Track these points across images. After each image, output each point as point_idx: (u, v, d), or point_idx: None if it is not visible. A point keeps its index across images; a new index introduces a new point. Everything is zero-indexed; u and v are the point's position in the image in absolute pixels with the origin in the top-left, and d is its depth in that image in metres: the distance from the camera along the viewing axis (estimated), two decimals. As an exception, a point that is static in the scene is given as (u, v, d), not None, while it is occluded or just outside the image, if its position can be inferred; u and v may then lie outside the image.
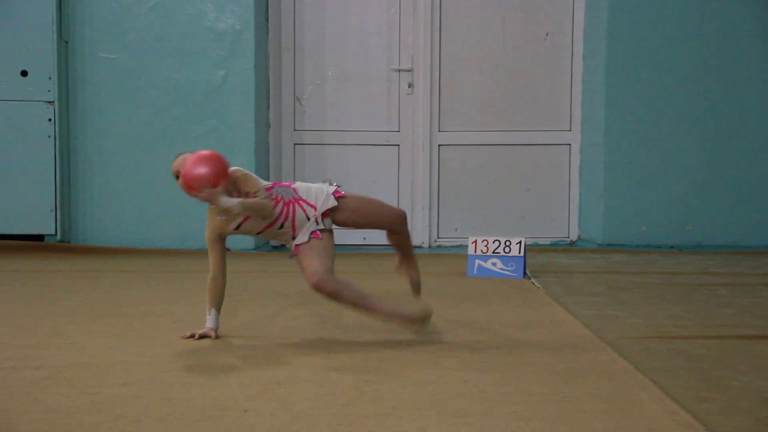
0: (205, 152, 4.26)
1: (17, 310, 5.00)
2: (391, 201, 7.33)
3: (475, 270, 6.05)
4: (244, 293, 5.46)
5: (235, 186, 4.29)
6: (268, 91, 7.19)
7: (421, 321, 4.44)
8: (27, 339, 4.44)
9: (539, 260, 6.52)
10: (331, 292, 4.28)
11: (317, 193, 4.41)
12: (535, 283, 5.84)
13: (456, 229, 7.36)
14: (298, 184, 4.44)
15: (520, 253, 6.00)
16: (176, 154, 4.42)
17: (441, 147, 7.35)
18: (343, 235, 7.29)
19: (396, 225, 4.57)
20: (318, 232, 4.37)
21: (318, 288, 4.28)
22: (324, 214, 4.37)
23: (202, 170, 4.18)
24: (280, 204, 4.31)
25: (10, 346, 4.31)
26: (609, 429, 3.28)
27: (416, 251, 7.09)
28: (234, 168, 4.33)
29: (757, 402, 3.61)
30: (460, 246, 7.09)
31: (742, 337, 4.55)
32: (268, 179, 7.25)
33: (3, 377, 3.83)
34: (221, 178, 4.18)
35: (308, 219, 4.36)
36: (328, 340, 4.50)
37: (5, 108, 6.68)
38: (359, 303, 4.36)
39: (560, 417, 3.41)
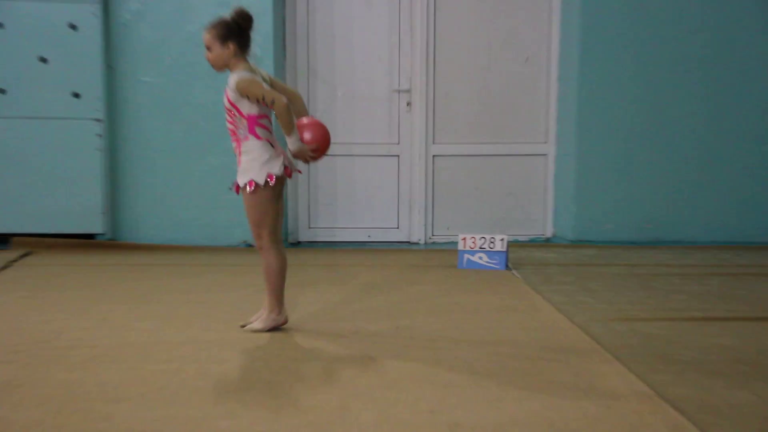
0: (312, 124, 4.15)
1: (73, 298, 5.04)
2: (391, 203, 7.38)
3: (464, 263, 6.09)
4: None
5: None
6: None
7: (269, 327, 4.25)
8: (82, 322, 4.48)
9: (519, 254, 6.55)
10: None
11: (246, 166, 4.06)
12: (516, 274, 5.86)
13: (448, 228, 7.38)
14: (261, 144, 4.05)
15: (503, 248, 6.03)
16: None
17: (435, 157, 7.36)
18: (351, 234, 7.35)
19: (252, 236, 4.19)
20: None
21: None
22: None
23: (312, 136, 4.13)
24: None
25: (68, 328, 4.36)
26: (578, 397, 3.33)
27: (413, 247, 7.17)
28: (245, 77, 3.98)
29: (702, 374, 3.65)
30: (452, 242, 7.14)
31: (691, 319, 4.58)
32: (285, 190, 7.27)
33: (62, 355, 3.88)
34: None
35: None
36: (339, 324, 4.54)
37: (61, 125, 6.71)
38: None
39: (537, 386, 3.47)
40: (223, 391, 3.40)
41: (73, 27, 6.65)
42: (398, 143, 7.36)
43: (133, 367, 3.69)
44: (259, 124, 4.03)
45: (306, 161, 4.15)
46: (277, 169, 4.05)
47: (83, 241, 6.74)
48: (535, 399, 3.31)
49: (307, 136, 4.09)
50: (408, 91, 7.31)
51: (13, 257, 6.28)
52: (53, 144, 6.70)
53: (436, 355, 3.91)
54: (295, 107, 4.14)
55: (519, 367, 3.73)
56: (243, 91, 3.95)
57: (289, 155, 4.15)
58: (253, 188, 4.03)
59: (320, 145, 4.13)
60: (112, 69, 6.81)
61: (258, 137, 4.03)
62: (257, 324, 4.27)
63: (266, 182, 4.03)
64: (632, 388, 3.44)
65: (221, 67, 4.09)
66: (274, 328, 4.28)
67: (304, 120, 4.15)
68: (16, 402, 3.26)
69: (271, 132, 4.10)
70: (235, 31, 4.02)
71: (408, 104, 7.32)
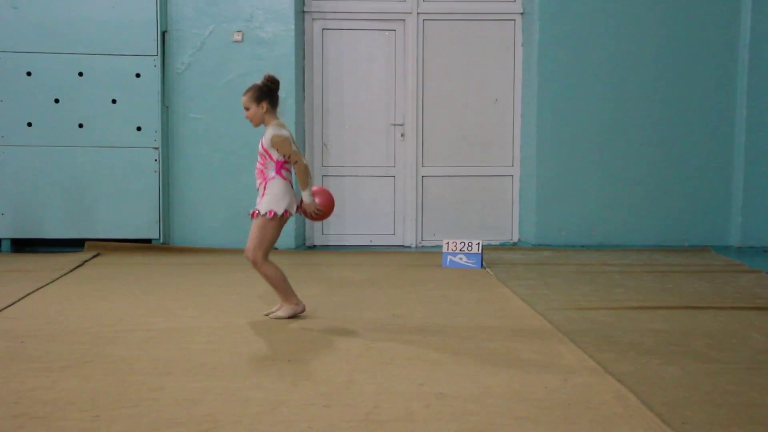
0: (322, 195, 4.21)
1: (133, 291, 5.00)
2: (389, 214, 7.35)
3: (448, 263, 6.03)
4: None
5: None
6: (304, 140, 7.21)
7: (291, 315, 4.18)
8: (140, 310, 4.45)
9: (492, 256, 6.51)
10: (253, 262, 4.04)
11: (266, 197, 4.04)
12: (489, 272, 5.82)
13: (434, 234, 7.34)
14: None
15: (478, 250, 5.98)
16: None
17: (424, 177, 7.33)
18: (356, 239, 7.31)
19: (247, 252, 4.07)
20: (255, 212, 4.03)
21: (246, 256, 4.06)
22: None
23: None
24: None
25: (130, 315, 4.33)
26: (540, 372, 3.29)
27: (406, 250, 7.14)
28: (280, 135, 3.96)
29: (639, 352, 3.61)
30: (437, 246, 7.08)
31: (630, 308, 4.54)
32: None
33: (124, 337, 3.85)
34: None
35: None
36: (345, 312, 4.50)
37: (127, 153, 6.68)
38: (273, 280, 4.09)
39: (507, 363, 3.43)
40: (252, 367, 3.36)
41: (137, 75, 6.63)
42: (394, 166, 7.34)
43: (180, 347, 3.66)
44: (285, 168, 4.07)
45: (311, 217, 4.17)
46: (293, 208, 4.08)
47: (142, 244, 6.71)
48: (505, 373, 3.27)
49: (317, 200, 4.17)
50: (402, 124, 7.30)
51: (86, 257, 6.25)
52: (119, 167, 6.67)
53: (425, 338, 3.87)
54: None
55: (492, 347, 3.69)
56: (275, 146, 4.00)
57: (298, 201, 4.16)
58: (271, 216, 4.02)
59: (325, 210, 4.22)
60: (168, 108, 6.80)
61: (283, 178, 4.06)
62: (281, 312, 4.22)
63: (282, 215, 4.03)
64: (584, 364, 3.40)
65: (258, 123, 4.13)
66: (294, 316, 4.22)
67: (315, 188, 4.21)
68: (86, 374, 3.23)
69: (291, 175, 4.12)
70: (266, 93, 4.06)
71: (402, 135, 7.30)
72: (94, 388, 3.07)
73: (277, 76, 4.13)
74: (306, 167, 4.06)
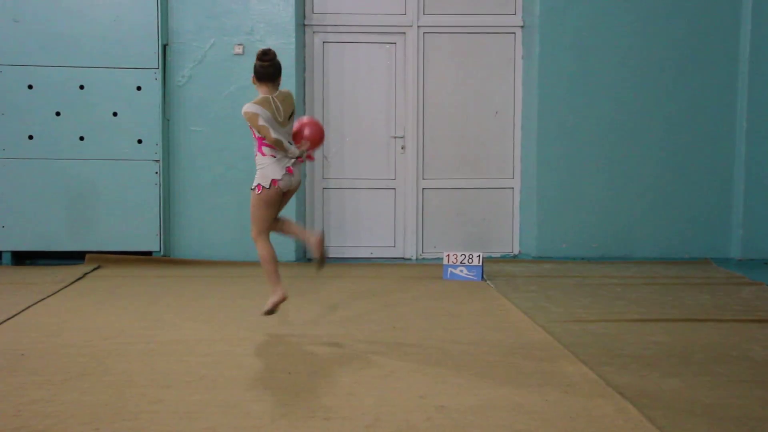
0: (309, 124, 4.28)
1: (134, 303, 5.00)
2: (389, 226, 7.35)
3: (448, 275, 6.02)
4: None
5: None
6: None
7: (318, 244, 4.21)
8: (140, 323, 4.45)
9: (492, 268, 6.51)
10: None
11: (258, 174, 4.14)
12: (490, 284, 5.82)
13: (435, 246, 7.34)
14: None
15: (479, 263, 5.97)
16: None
17: (424, 190, 7.34)
18: (357, 251, 7.31)
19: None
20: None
21: None
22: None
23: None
24: None
25: (130, 327, 4.33)
26: (540, 384, 3.30)
27: (407, 262, 7.14)
28: (248, 110, 4.04)
29: (640, 365, 3.62)
30: (438, 258, 7.08)
31: (631, 320, 4.55)
32: (304, 214, 7.27)
33: (125, 349, 3.85)
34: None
35: None
36: (346, 324, 4.50)
37: (128, 165, 6.69)
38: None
39: (507, 376, 3.43)
40: (253, 380, 3.36)
41: (138, 88, 6.66)
42: (395, 179, 7.35)
43: (181, 359, 3.66)
44: (265, 143, 4.10)
45: (308, 158, 4.25)
46: (278, 174, 4.08)
47: (142, 257, 6.70)
48: (506, 386, 3.27)
49: (306, 131, 4.24)
50: (402, 137, 7.32)
51: (87, 270, 6.25)
52: (120, 180, 6.67)
53: (425, 350, 3.87)
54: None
55: (493, 360, 3.69)
56: (246, 120, 4.07)
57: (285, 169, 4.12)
58: (259, 191, 4.10)
59: (314, 139, 4.27)
60: (169, 121, 6.82)
61: (263, 154, 4.12)
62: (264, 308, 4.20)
63: (270, 185, 4.07)
64: (585, 377, 3.40)
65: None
66: (276, 305, 4.16)
67: (305, 119, 4.31)
68: (87, 387, 3.23)
69: (275, 150, 4.09)
70: (255, 67, 4.13)
71: (402, 148, 7.32)
72: (94, 400, 3.07)
73: (268, 47, 4.18)
74: (276, 141, 4.04)
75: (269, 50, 4.12)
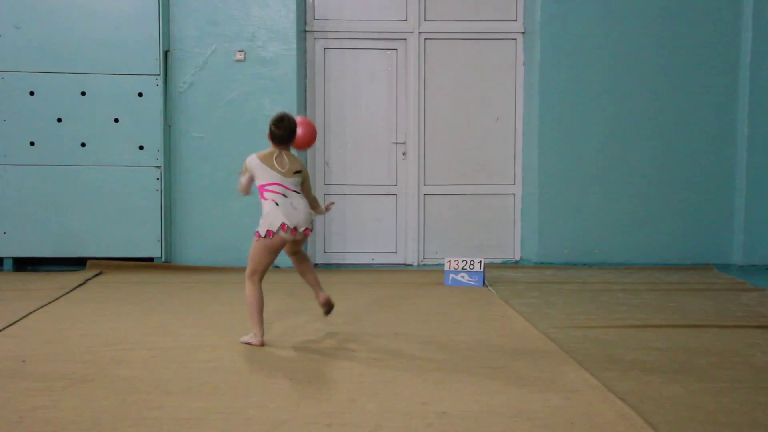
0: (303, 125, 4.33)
1: (135, 309, 5.01)
2: (390, 232, 7.36)
3: (450, 281, 6.03)
4: (290, 300, 5.45)
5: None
6: (306, 158, 7.24)
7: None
8: (142, 329, 4.45)
9: (494, 274, 6.52)
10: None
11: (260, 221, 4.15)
12: (491, 290, 5.82)
13: (436, 252, 7.35)
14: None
15: (480, 269, 5.99)
16: (252, 193, 4.34)
17: (426, 196, 7.35)
18: (358, 257, 7.32)
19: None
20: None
21: None
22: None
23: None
24: None
25: (131, 334, 4.33)
26: (542, 390, 3.30)
27: (408, 268, 7.14)
28: (247, 162, 4.18)
29: (642, 371, 3.62)
30: (439, 264, 7.09)
31: (633, 327, 4.55)
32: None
33: (126, 356, 3.85)
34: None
35: None
36: (347, 330, 4.51)
37: (129, 171, 6.71)
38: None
39: (508, 382, 3.43)
40: (254, 386, 3.36)
41: (140, 94, 6.68)
42: (396, 185, 7.37)
43: (182, 366, 3.66)
44: (267, 190, 4.11)
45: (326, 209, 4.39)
46: (274, 226, 4.04)
47: (144, 263, 6.71)
48: (508, 392, 3.27)
49: (299, 131, 4.27)
50: (404, 143, 7.33)
51: (88, 276, 6.26)
52: (122, 186, 6.69)
53: (427, 356, 3.87)
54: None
55: (495, 366, 3.69)
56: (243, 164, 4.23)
57: (292, 220, 4.09)
58: (257, 238, 4.09)
59: (306, 139, 4.35)
60: (170, 127, 6.84)
61: (264, 198, 4.13)
62: (245, 337, 4.16)
63: (265, 235, 4.04)
64: (586, 383, 3.40)
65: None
66: (250, 344, 4.09)
67: (298, 118, 4.34)
68: (88, 394, 3.23)
69: (277, 196, 4.08)
70: (270, 130, 4.20)
71: (404, 154, 7.34)
72: (95, 407, 3.07)
73: (284, 113, 4.24)
74: (241, 190, 4.24)
75: (284, 117, 4.18)
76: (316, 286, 4.38)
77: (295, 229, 4.07)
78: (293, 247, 4.28)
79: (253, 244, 4.12)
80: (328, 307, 4.39)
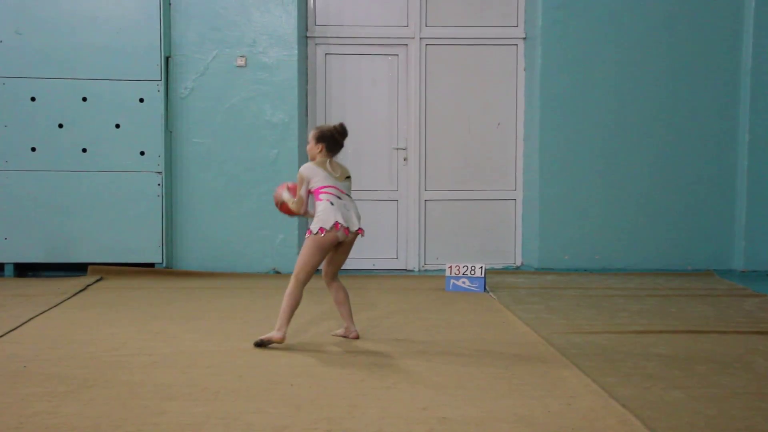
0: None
1: (136, 315, 5.01)
2: (391, 238, 7.37)
3: (450, 286, 6.04)
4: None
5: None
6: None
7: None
8: (143, 334, 4.46)
9: (495, 279, 6.52)
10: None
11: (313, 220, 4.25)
12: (492, 296, 5.83)
13: (437, 258, 7.35)
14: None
15: (481, 274, 5.99)
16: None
17: (427, 201, 7.36)
18: (359, 263, 7.32)
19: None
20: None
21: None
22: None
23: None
24: None
25: (132, 339, 4.34)
26: (543, 396, 3.30)
27: (409, 274, 7.15)
28: (302, 172, 4.23)
29: (643, 377, 3.62)
30: (440, 269, 7.10)
31: (633, 332, 4.55)
32: (307, 224, 7.27)
33: (127, 361, 3.86)
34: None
35: None
36: (347, 339, 4.51)
37: (130, 177, 6.72)
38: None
39: (510, 387, 3.43)
40: (255, 392, 3.37)
41: (141, 100, 6.70)
42: (397, 190, 7.38)
43: (183, 371, 3.67)
44: (323, 192, 4.20)
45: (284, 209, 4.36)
46: (328, 225, 4.11)
47: (145, 269, 6.71)
48: (508, 397, 3.27)
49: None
50: (405, 148, 7.35)
51: (89, 281, 6.27)
52: (123, 192, 6.70)
53: (428, 362, 3.88)
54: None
55: (495, 371, 3.69)
56: (298, 176, 4.26)
57: (344, 221, 4.16)
58: (309, 235, 4.15)
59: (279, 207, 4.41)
60: (171, 132, 6.86)
61: (320, 200, 4.20)
62: (270, 334, 4.17)
63: (318, 232, 4.11)
64: (587, 388, 3.40)
65: (311, 158, 4.33)
66: (270, 343, 4.11)
67: (289, 184, 4.38)
68: (89, 399, 3.24)
69: (332, 197, 4.18)
70: (328, 138, 4.28)
71: (405, 159, 7.35)
72: (96, 413, 3.08)
73: (341, 124, 4.34)
74: (297, 205, 4.25)
75: (346, 128, 4.33)
76: (348, 319, 4.40)
77: (347, 228, 4.15)
78: (336, 262, 4.29)
79: (305, 242, 4.17)
80: (354, 336, 4.40)
